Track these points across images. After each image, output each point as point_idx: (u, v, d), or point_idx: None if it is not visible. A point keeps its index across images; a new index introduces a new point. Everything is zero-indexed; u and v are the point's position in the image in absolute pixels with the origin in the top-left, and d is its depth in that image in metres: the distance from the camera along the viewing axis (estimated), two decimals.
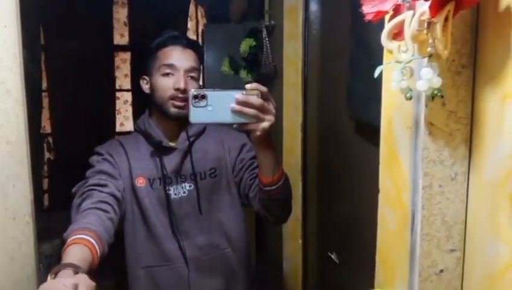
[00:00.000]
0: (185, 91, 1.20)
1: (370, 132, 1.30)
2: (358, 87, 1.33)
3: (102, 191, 1.13)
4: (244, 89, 0.98)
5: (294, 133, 2.01)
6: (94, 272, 0.88)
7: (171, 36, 1.28)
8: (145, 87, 1.30)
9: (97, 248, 0.95)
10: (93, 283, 0.75)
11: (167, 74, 1.23)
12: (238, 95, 0.96)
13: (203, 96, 0.97)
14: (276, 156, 1.12)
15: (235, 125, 0.99)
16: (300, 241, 2.08)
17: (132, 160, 1.25)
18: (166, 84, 1.23)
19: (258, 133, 1.00)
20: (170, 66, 1.23)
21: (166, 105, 1.23)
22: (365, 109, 1.27)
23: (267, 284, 2.16)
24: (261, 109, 0.98)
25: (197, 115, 0.97)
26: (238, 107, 0.96)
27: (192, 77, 1.25)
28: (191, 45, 1.28)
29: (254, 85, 0.99)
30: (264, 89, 0.99)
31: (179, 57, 1.24)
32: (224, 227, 1.31)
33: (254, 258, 1.46)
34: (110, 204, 1.11)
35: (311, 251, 2.04)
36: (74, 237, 0.94)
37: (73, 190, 1.17)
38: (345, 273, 1.63)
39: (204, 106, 0.97)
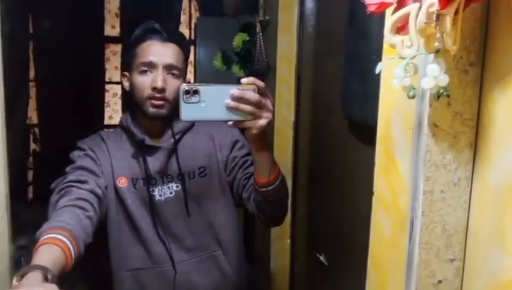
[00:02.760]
0: (162, 90, 1.12)
1: (364, 131, 1.26)
2: (353, 85, 1.29)
3: (81, 188, 1.06)
4: (239, 83, 0.92)
5: (286, 131, 1.96)
6: (67, 273, 0.83)
7: (149, 29, 1.17)
8: (126, 84, 1.21)
9: (71, 249, 0.88)
10: None
11: (145, 72, 1.14)
12: (233, 90, 0.90)
13: (196, 92, 0.90)
14: (272, 155, 1.06)
15: (230, 123, 0.93)
16: (288, 241, 2.03)
17: (114, 158, 1.18)
18: (143, 83, 1.14)
19: (255, 131, 0.94)
20: (147, 64, 1.14)
21: (145, 105, 1.15)
22: (359, 108, 1.23)
23: (253, 283, 2.12)
24: (258, 105, 0.92)
25: (189, 111, 0.91)
26: (233, 104, 0.90)
27: (173, 74, 1.15)
28: (173, 38, 1.18)
29: (250, 79, 0.93)
30: (261, 83, 0.93)
31: (157, 53, 1.14)
32: (215, 229, 1.24)
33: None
34: (89, 201, 1.04)
35: (300, 251, 2.00)
36: (46, 236, 0.87)
37: (52, 186, 1.10)
38: (333, 275, 1.60)
39: (196, 102, 0.90)
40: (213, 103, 0.91)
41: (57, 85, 3.95)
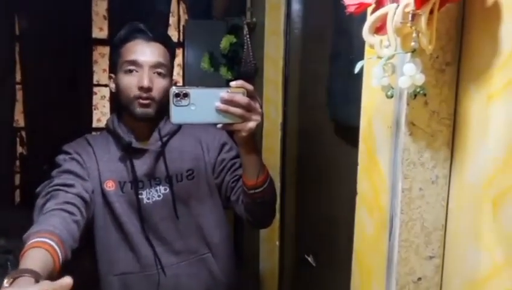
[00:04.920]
0: (149, 89, 1.12)
1: (349, 132, 1.27)
2: (338, 87, 1.30)
3: (68, 192, 1.05)
4: (227, 86, 0.93)
5: (274, 133, 1.97)
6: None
7: (134, 29, 1.17)
8: (112, 86, 1.20)
9: (59, 253, 0.87)
10: (66, 282, 0.68)
11: (130, 71, 1.13)
12: (223, 93, 0.91)
13: (186, 95, 0.91)
14: (260, 158, 1.07)
15: (219, 126, 0.94)
16: (277, 243, 2.03)
17: (101, 162, 1.17)
18: (130, 83, 1.13)
19: (244, 133, 0.95)
20: (133, 62, 1.13)
21: (132, 105, 1.14)
22: (344, 110, 1.23)
23: (242, 285, 2.11)
24: (247, 108, 0.93)
25: (179, 114, 0.91)
26: (223, 107, 0.91)
27: (159, 74, 1.14)
28: (158, 38, 1.17)
29: (239, 82, 0.93)
30: (250, 87, 0.94)
31: (142, 52, 1.14)
32: (203, 231, 1.24)
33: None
34: (76, 206, 1.03)
35: (288, 253, 2.00)
36: (35, 239, 0.86)
37: (38, 190, 1.09)
38: (321, 276, 1.60)
39: (186, 105, 0.91)
40: (203, 106, 0.91)
41: (44, 88, 3.92)
